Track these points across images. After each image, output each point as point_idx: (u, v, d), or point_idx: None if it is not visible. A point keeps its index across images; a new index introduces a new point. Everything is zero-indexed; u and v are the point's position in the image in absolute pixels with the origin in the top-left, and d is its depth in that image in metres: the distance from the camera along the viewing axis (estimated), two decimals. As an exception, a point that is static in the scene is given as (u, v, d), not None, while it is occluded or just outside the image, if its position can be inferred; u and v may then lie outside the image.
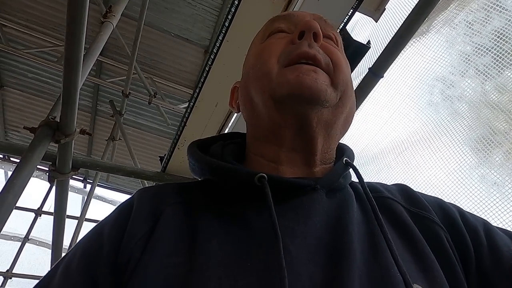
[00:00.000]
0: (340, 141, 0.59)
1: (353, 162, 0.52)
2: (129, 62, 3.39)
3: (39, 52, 3.82)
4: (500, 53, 1.25)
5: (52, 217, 4.63)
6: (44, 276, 0.45)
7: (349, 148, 0.56)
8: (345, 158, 0.50)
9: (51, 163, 1.74)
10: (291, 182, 0.45)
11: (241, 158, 0.56)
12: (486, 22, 1.32)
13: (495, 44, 1.27)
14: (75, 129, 1.60)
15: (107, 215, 0.49)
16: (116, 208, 0.49)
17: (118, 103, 3.98)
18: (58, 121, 1.57)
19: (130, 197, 0.50)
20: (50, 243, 4.62)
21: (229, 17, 1.41)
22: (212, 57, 1.60)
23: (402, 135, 1.67)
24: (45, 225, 4.31)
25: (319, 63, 0.47)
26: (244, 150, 0.57)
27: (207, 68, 1.67)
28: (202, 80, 1.71)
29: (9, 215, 1.24)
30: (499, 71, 1.27)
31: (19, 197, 1.31)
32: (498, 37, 1.26)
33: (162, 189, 0.51)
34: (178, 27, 3.89)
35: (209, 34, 3.95)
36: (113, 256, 0.42)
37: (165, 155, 2.20)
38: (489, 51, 1.29)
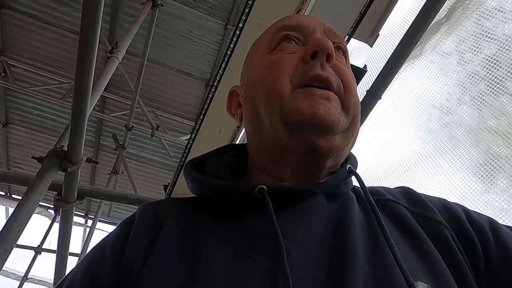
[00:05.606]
0: None
1: (356, 169, 0.52)
2: (132, 96, 3.48)
3: (45, 89, 3.94)
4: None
5: (51, 255, 4.54)
6: None
7: (353, 155, 0.56)
8: (348, 165, 0.50)
9: (56, 192, 1.75)
10: (291, 189, 0.46)
11: (238, 170, 0.56)
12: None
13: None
14: (81, 157, 1.63)
15: (109, 232, 0.50)
16: (118, 225, 0.50)
17: (121, 137, 4.03)
18: (66, 150, 1.60)
19: (133, 213, 0.51)
20: (49, 281, 4.51)
21: (231, 46, 1.49)
22: (215, 84, 1.66)
23: (403, 154, 1.69)
24: (44, 262, 4.22)
25: (331, 86, 0.47)
26: (240, 162, 0.57)
27: (210, 95, 1.73)
28: (206, 106, 1.76)
29: (17, 239, 1.23)
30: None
31: (26, 224, 1.31)
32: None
33: (163, 202, 0.51)
34: (179, 62, 4.03)
35: (209, 68, 4.08)
36: (115, 268, 0.42)
37: (169, 183, 2.20)
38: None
